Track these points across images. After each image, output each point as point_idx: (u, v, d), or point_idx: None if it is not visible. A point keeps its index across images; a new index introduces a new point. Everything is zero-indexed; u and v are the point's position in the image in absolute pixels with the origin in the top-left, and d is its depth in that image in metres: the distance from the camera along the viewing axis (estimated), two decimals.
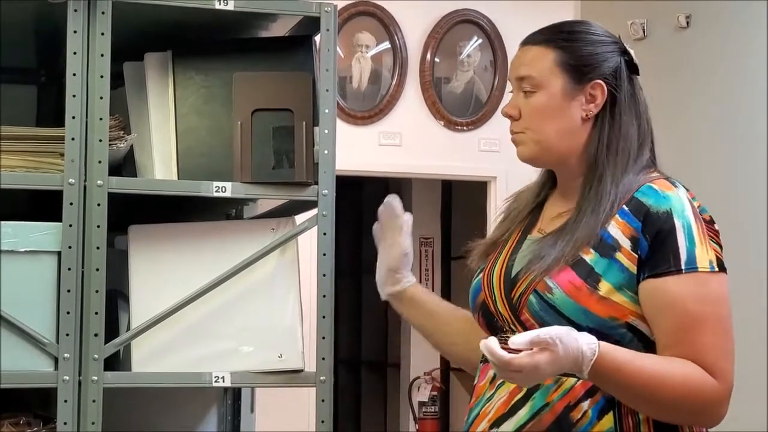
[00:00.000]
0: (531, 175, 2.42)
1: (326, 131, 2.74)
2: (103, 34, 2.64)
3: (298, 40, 2.88)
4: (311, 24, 2.83)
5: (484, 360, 2.25)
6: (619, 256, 2.13)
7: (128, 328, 2.70)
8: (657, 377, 2.06)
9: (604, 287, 2.11)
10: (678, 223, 2.13)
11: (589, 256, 2.14)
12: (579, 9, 5.03)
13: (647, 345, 2.15)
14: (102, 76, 2.64)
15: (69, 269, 2.59)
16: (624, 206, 2.16)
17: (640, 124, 2.24)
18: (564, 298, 2.12)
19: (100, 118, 2.64)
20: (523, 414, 2.16)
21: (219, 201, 2.81)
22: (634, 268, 2.12)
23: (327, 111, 2.76)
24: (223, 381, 2.68)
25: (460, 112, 7.02)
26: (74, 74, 2.63)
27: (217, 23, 2.86)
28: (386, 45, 6.77)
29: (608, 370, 2.03)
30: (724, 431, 2.81)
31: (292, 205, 2.89)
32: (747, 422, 4.00)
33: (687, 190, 2.21)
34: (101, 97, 2.64)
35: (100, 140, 2.63)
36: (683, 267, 2.10)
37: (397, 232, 2.49)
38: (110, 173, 2.65)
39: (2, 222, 2.61)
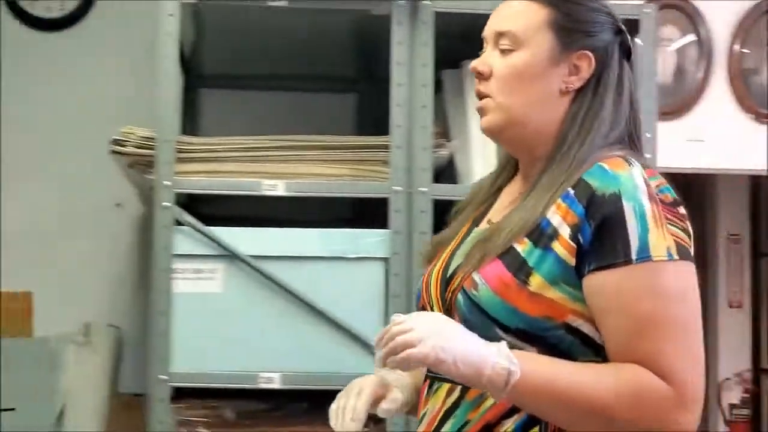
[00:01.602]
0: None
1: None
2: (425, 44, 2.69)
3: None
4: (628, 26, 2.80)
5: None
6: (555, 245, 1.80)
7: None
8: (587, 389, 1.76)
9: (535, 282, 1.79)
10: (627, 206, 1.79)
11: (522, 246, 1.81)
12: None
13: (595, 349, 1.82)
14: (424, 85, 2.69)
15: (396, 275, 2.67)
16: (570, 189, 1.83)
17: (618, 108, 1.92)
18: (489, 296, 1.81)
19: (423, 127, 2.69)
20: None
21: None
22: (571, 260, 1.79)
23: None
24: None
25: None
26: (399, 84, 2.70)
27: None
28: (691, 37, 6.60)
29: (530, 388, 1.76)
30: None
31: None
32: None
33: (647, 168, 1.89)
34: (424, 106, 2.70)
35: (424, 148, 2.69)
36: (634, 257, 1.77)
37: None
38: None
39: (332, 230, 2.71)
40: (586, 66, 1.90)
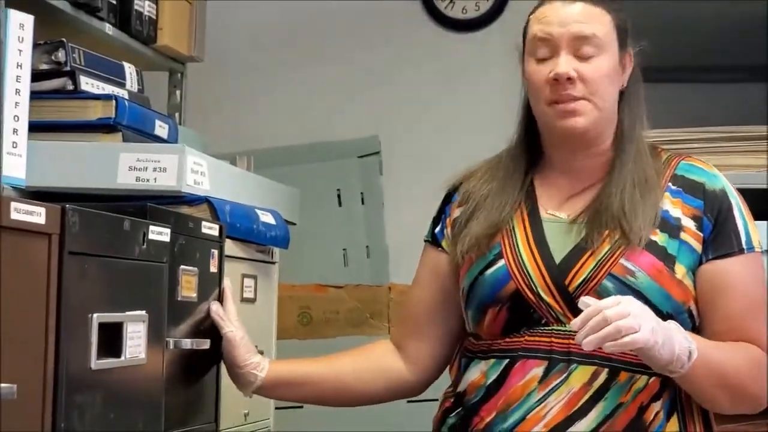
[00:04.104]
0: None
1: None
2: None
3: None
4: None
5: (510, 357, 2.00)
6: (685, 236, 2.01)
7: None
8: (733, 365, 1.96)
9: (680, 270, 1.99)
10: (733, 201, 2.04)
11: (658, 237, 2.00)
12: None
13: (693, 331, 2.00)
14: None
15: None
16: (670, 184, 2.05)
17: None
18: (649, 282, 1.96)
19: None
20: (593, 417, 1.94)
21: None
22: (699, 249, 2.01)
23: None
24: None
25: None
26: None
27: None
28: None
29: (701, 366, 1.90)
30: None
31: None
32: None
33: None
34: None
35: None
36: (744, 247, 2.02)
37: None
38: None
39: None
40: (629, 64, 2.07)
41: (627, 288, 1.95)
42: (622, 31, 2.06)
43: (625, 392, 1.95)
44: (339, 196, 3.95)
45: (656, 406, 1.97)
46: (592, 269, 1.97)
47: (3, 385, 1.34)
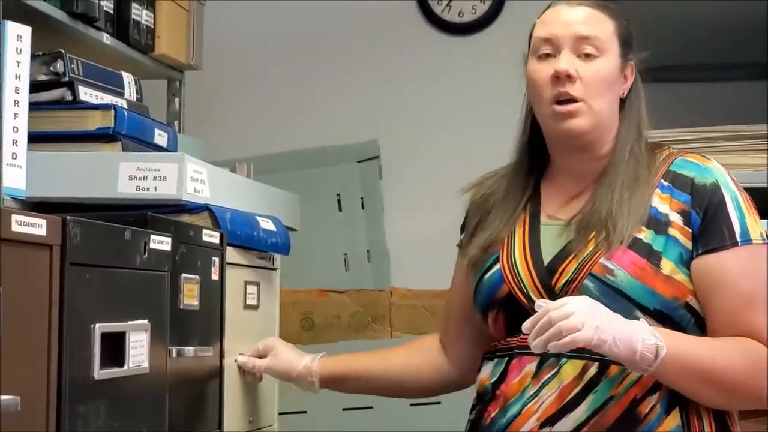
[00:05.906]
0: None
1: None
2: None
3: None
4: None
5: (509, 355, 2.07)
6: (672, 231, 2.01)
7: None
8: (719, 360, 1.94)
9: (667, 266, 1.99)
10: (726, 195, 2.02)
11: (644, 234, 2.00)
12: None
13: (702, 328, 2.02)
14: None
15: None
16: (662, 180, 2.05)
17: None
18: (630, 280, 1.98)
19: None
20: (583, 410, 1.97)
21: None
22: (689, 244, 2.00)
23: None
24: None
25: None
26: None
27: None
28: None
29: (674, 362, 1.90)
30: None
31: None
32: None
33: None
34: None
35: None
36: (739, 240, 1.99)
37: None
38: None
39: None
40: (630, 74, 2.11)
41: (607, 287, 1.98)
42: (625, 41, 2.10)
43: (616, 385, 1.98)
44: (339, 201, 3.95)
45: (652, 399, 1.98)
46: (575, 270, 2.01)
47: (7, 397, 1.34)
